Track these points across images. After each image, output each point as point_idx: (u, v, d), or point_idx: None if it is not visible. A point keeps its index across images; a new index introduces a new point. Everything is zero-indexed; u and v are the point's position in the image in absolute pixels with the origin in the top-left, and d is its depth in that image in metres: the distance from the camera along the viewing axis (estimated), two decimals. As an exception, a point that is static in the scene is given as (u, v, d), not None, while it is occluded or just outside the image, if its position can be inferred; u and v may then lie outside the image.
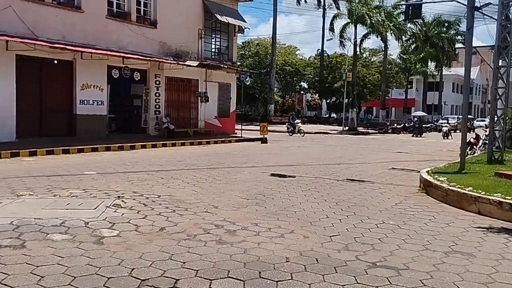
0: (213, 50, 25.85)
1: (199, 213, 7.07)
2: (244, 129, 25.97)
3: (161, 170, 11.75)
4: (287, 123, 32.15)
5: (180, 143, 19.64)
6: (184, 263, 4.83)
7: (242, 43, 49.53)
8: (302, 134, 29.35)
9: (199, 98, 23.95)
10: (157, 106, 21.85)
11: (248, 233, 6.02)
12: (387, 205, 8.11)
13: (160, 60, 20.91)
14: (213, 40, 25.73)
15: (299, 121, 32.42)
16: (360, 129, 40.30)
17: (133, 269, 4.59)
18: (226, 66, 24.74)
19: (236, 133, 25.85)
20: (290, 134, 29.68)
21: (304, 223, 6.64)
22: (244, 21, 26.83)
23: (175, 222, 6.44)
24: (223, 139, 22.38)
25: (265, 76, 46.69)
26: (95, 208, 7.02)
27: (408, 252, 5.42)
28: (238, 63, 31.60)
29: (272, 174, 11.51)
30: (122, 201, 7.61)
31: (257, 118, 40.83)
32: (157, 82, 21.77)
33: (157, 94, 21.82)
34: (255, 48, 51.95)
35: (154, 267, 4.67)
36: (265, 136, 23.15)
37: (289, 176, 11.24)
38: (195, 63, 22.05)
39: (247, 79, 27.36)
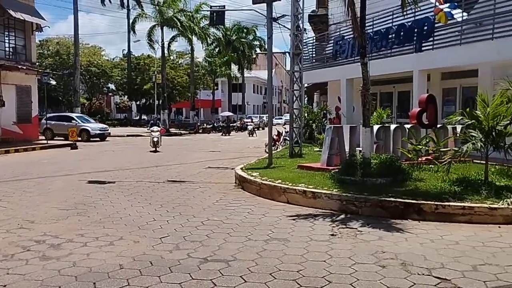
0: (7, 49, 23.23)
1: (13, 230, 6.50)
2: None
3: (-46, 186, 10.26)
4: (149, 129, 23.20)
5: (-27, 154, 17.28)
6: (4, 286, 4.45)
7: (40, 41, 45.45)
8: (154, 148, 20.30)
9: (-7, 102, 21.35)
10: None
11: (74, 245, 5.79)
12: (209, 203, 8.58)
13: None
14: (7, 38, 23.14)
15: (158, 129, 21.61)
16: (172, 130, 40.84)
17: None
18: (24, 67, 22.51)
19: (40, 140, 23.73)
20: (153, 149, 20.34)
21: (132, 228, 6.64)
22: (43, 18, 24.79)
23: (-14, 244, 5.81)
24: (25, 147, 20.34)
25: (68, 78, 43.66)
26: None
27: (234, 244, 5.90)
28: (38, 64, 28.92)
29: (90, 181, 11.06)
30: None
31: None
32: None
33: None
34: (55, 47, 48.20)
35: (-31, 296, 4.21)
36: (75, 141, 21.83)
37: (109, 182, 10.96)
38: (-14, 64, 19.60)
39: (50, 81, 25.25)
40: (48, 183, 10.94)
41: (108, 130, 29.35)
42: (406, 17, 14.28)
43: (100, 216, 7.45)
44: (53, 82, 28.14)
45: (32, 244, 5.83)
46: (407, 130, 11.90)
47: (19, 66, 22.08)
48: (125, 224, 6.93)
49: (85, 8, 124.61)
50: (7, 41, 23.20)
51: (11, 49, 23.59)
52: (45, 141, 23.00)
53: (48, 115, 30.32)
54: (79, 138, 25.35)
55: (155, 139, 20.29)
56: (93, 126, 28.45)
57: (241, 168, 11.39)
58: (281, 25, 19.61)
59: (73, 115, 29.52)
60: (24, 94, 23.43)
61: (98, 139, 27.50)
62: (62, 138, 25.21)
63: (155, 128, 21.16)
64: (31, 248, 5.66)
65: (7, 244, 5.79)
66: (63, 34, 56.78)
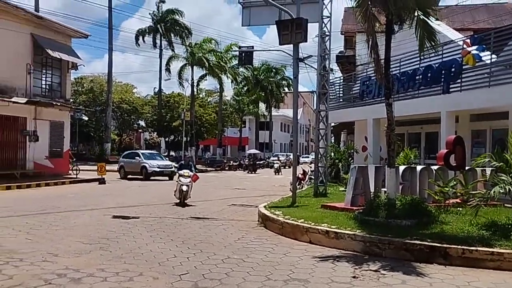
0: (43, 86, 24.19)
1: (37, 263, 6.60)
2: (79, 169, 24.55)
3: (-15, 218, 10.54)
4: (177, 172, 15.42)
5: (5, 186, 17.75)
6: (24, 319, 4.49)
7: (75, 79, 47.16)
8: (180, 200, 13.88)
9: (28, 137, 22.03)
10: (-24, 146, 19.52)
11: (94, 280, 5.83)
12: (231, 240, 8.54)
13: (-19, 95, 18.86)
14: (44, 76, 24.14)
15: (190, 174, 14.33)
16: (199, 167, 41.11)
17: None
18: (58, 104, 23.32)
19: (70, 174, 24.29)
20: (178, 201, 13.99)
21: (152, 264, 6.65)
22: (78, 57, 25.80)
23: (10, 275, 5.92)
24: (56, 181, 20.83)
25: (100, 114, 45.02)
26: None
27: (252, 283, 5.83)
28: (72, 100, 29.90)
29: (115, 216, 11.19)
30: None
31: (92, 158, 38.92)
32: (-23, 120, 19.54)
33: (-23, 133, 19.53)
34: (89, 84, 49.97)
35: (-10, 327, 4.26)
36: (103, 176, 22.23)
37: (133, 217, 11.06)
38: (23, 100, 20.37)
39: (82, 117, 25.99)
40: (74, 217, 11.12)
41: (171, 167, 25.85)
42: (433, 58, 14.30)
43: (122, 251, 7.49)
44: (85, 118, 28.77)
45: (54, 277, 5.89)
46: (434, 171, 11.68)
47: (54, 103, 22.88)
48: (146, 260, 6.94)
49: (120, 48, 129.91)
50: (44, 78, 24.19)
51: (47, 86, 24.53)
52: (75, 176, 23.51)
53: (125, 152, 30.20)
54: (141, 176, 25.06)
55: (184, 188, 13.79)
56: (152, 163, 25.88)
57: (264, 206, 11.34)
58: (308, 65, 19.93)
59: (140, 151, 28.94)
60: (57, 129, 24.17)
61: (166, 178, 25.14)
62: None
63: (185, 172, 14.29)
64: (53, 282, 5.72)
65: (30, 277, 5.87)
66: (97, 72, 58.68)
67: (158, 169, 25.60)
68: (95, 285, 5.63)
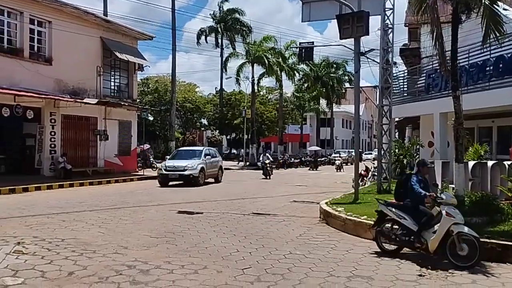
0: (112, 87, 25.36)
1: (108, 254, 6.94)
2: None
3: (61, 212, 11.21)
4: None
5: (79, 183, 18.79)
6: (98, 306, 4.75)
7: (141, 80, 48.97)
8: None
9: (98, 136, 23.20)
10: (53, 145, 20.76)
11: (161, 272, 6.05)
12: (292, 236, 8.57)
13: (56, 97, 20.05)
14: (113, 77, 25.30)
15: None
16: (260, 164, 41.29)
17: (44, 317, 4.42)
18: (126, 104, 24.37)
19: (137, 171, 25.30)
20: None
21: (216, 258, 6.81)
22: (144, 59, 26.80)
23: (84, 266, 6.27)
24: (124, 177, 21.79)
25: (165, 113, 46.42)
26: (-7, 256, 6.55)
27: (315, 279, 5.82)
28: (138, 100, 31.09)
29: (180, 211, 11.54)
30: (23, 247, 7.22)
31: (158, 155, 40.26)
32: (53, 121, 20.78)
33: (53, 133, 20.78)
34: (154, 84, 51.66)
35: (67, 313, 4.54)
36: (168, 173, 22.86)
37: (197, 213, 11.36)
38: (94, 101, 21.46)
39: (148, 117, 26.94)
40: (142, 212, 11.59)
41: (182, 169, 19.50)
42: (505, 48, 13.51)
43: (187, 245, 7.72)
44: (151, 118, 29.68)
45: (124, 268, 6.18)
46: (507, 167, 11.06)
47: (122, 103, 23.93)
48: (209, 253, 7.12)
49: (184, 48, 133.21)
50: (112, 80, 25.37)
51: (115, 87, 25.71)
52: (142, 173, 24.45)
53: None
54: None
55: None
56: (164, 164, 20.95)
57: (326, 203, 11.25)
58: (370, 59, 19.44)
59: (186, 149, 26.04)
60: (125, 128, 25.26)
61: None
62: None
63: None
64: (123, 272, 6.00)
65: (102, 268, 6.20)
66: (162, 73, 60.35)
67: (165, 172, 19.73)
68: (162, 276, 5.85)
